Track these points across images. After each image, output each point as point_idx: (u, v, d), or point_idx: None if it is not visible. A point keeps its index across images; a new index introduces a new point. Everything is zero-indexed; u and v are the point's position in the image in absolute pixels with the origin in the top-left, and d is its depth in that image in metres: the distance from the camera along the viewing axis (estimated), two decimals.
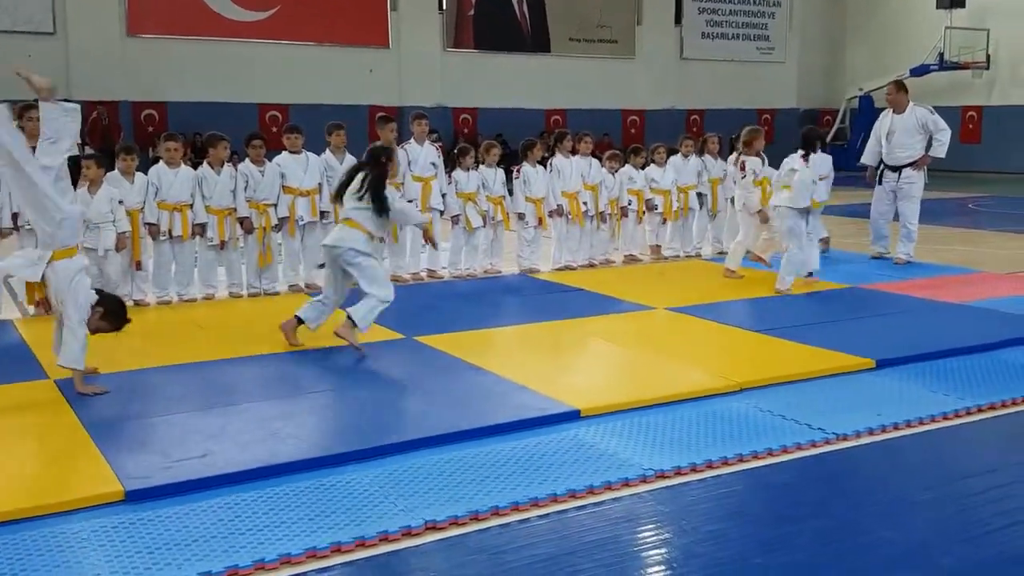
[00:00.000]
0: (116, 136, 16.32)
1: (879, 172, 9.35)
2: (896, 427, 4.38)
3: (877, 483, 3.80)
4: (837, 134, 24.57)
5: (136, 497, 3.53)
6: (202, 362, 5.54)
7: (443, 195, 8.44)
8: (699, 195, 9.76)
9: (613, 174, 9.22)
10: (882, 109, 9.77)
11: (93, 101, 16.87)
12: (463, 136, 19.88)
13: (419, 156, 8.38)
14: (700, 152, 10.02)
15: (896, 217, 9.32)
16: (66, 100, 5.21)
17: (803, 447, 4.13)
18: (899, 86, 9.49)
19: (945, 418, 4.53)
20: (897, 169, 9.14)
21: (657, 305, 7.01)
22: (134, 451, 3.95)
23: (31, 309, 6.92)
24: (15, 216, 6.76)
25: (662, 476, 3.78)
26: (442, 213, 8.48)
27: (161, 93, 17.96)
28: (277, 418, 4.42)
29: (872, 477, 3.89)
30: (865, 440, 4.24)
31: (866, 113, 22.94)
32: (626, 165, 9.41)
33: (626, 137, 21.90)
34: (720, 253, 9.91)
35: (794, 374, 5.17)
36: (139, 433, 4.21)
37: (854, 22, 26.27)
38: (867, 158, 9.55)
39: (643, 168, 9.49)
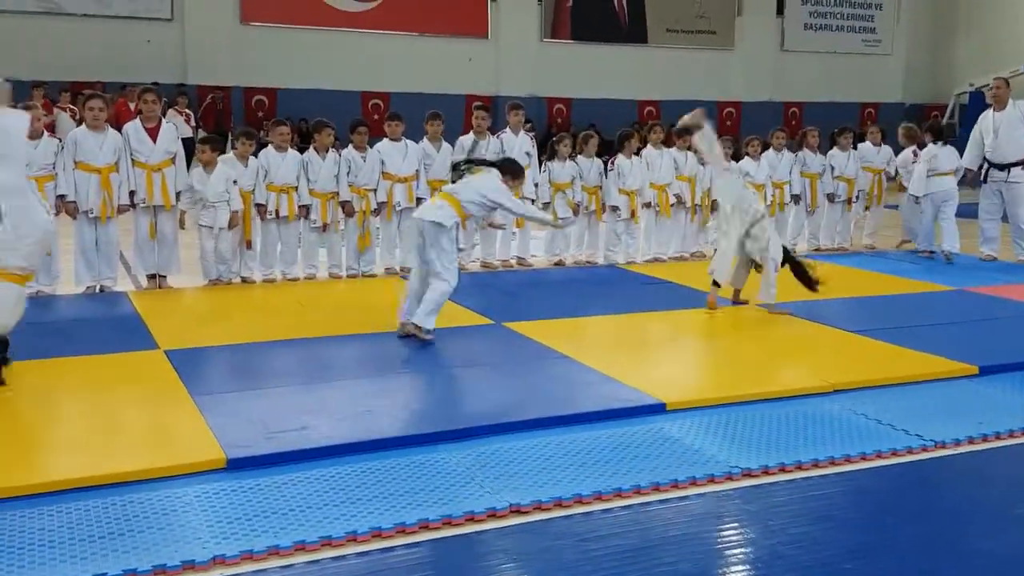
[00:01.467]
0: (228, 121, 16.89)
1: (985, 171, 9.03)
2: (998, 436, 4.22)
3: (975, 493, 3.68)
4: (946, 130, 23.56)
5: (237, 465, 3.70)
6: (302, 339, 5.74)
7: (535, 184, 8.49)
8: (794, 195, 9.55)
9: (704, 166, 9.10)
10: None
11: (208, 86, 17.55)
12: (556, 126, 19.87)
13: (514, 145, 8.45)
14: (799, 146, 9.82)
15: (1005, 218, 8.97)
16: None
17: (899, 453, 4.02)
18: (1005, 81, 9.20)
19: None
20: (1004, 167, 8.80)
21: (750, 299, 6.92)
22: (237, 421, 4.13)
23: (145, 282, 7.28)
24: (132, 194, 7.09)
25: (749, 475, 3.75)
26: (534, 201, 8.53)
27: (271, 79, 18.50)
28: (372, 395, 4.56)
29: (970, 487, 3.77)
30: (965, 449, 4.11)
31: (975, 110, 21.82)
32: None
33: (721, 129, 21.33)
34: (816, 250, 9.70)
35: (892, 377, 5.03)
36: (242, 404, 4.40)
37: (966, 15, 25.05)
38: (968, 161, 9.23)
39: (737, 161, 9.33)
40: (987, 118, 9.10)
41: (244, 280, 7.54)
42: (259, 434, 3.98)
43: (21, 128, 4.77)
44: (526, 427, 4.16)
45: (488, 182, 5.75)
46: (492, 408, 4.48)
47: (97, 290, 7.05)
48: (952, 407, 4.60)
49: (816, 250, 9.70)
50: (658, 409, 4.46)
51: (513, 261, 8.64)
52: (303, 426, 4.08)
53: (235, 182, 7.30)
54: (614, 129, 9.50)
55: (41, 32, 16.55)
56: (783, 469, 3.81)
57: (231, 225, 7.27)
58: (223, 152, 7.58)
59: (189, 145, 8.71)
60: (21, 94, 13.52)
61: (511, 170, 5.91)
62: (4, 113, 4.72)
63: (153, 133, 7.18)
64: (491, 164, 6.00)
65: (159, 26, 17.72)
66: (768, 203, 9.29)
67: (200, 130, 16.04)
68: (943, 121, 24.15)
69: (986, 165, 9.03)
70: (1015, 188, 8.81)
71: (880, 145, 9.94)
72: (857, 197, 9.83)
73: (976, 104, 22.33)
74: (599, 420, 4.31)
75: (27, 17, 16.54)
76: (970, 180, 9.31)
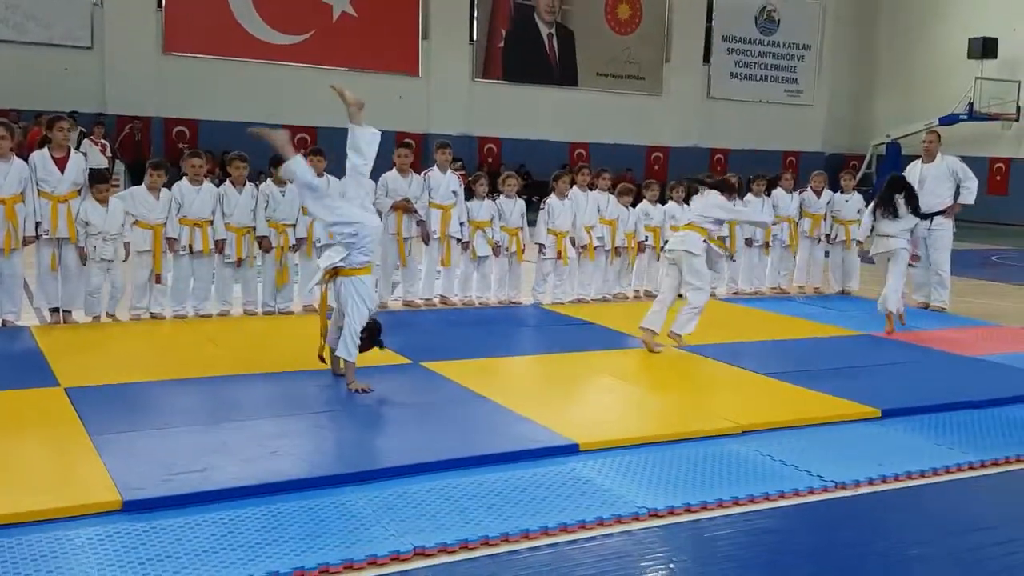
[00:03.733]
0: (147, 151, 16.59)
1: None
2: (897, 478, 4.35)
3: (873, 534, 3.77)
4: (863, 180, 24.51)
5: (133, 507, 3.57)
6: (211, 377, 5.62)
7: (461, 224, 8.51)
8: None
9: (628, 208, 9.27)
10: (910, 157, 9.85)
11: (127, 116, 17.20)
12: (487, 165, 20.05)
13: (440, 184, 8.47)
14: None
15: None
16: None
17: (800, 493, 4.11)
18: (937, 136, 9.70)
19: (948, 471, 4.49)
20: (928, 216, 9.17)
21: (666, 343, 7.02)
22: (136, 462, 4.00)
23: (48, 316, 7.04)
24: (37, 225, 6.87)
25: (655, 515, 3.78)
26: (459, 241, 8.55)
27: (193, 111, 18.26)
28: (278, 436, 4.47)
29: (868, 528, 3.86)
30: (864, 490, 4.21)
31: (893, 160, 22.88)
32: (642, 201, 9.46)
33: (649, 173, 21.94)
34: (735, 294, 9.93)
35: (798, 419, 5.15)
36: (142, 444, 4.27)
37: (884, 69, 26.29)
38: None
39: (661, 204, 9.53)
40: (915, 169, 9.47)
41: (154, 316, 7.33)
42: (158, 475, 3.85)
43: None
44: (437, 468, 4.13)
45: (711, 199, 6.95)
46: (402, 449, 4.43)
47: (0, 324, 6.79)
48: (854, 449, 4.72)
49: (734, 294, 9.93)
50: (571, 450, 4.48)
51: (436, 300, 8.62)
52: (204, 467, 3.97)
53: (130, 214, 7.18)
54: (545, 170, 9.63)
55: None
56: (689, 509, 3.86)
57: (125, 258, 7.13)
58: (138, 182, 7.41)
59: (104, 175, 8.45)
60: None
61: (725, 187, 7.13)
62: None
63: (61, 163, 6.97)
64: (709, 185, 7.14)
65: (78, 54, 17.39)
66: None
67: (118, 160, 15.70)
68: (861, 170, 25.23)
69: None
70: (937, 235, 9.20)
71: (791, 192, 10.24)
72: (772, 242, 10.10)
73: (893, 155, 23.36)
74: (512, 461, 4.29)
75: None
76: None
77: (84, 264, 7.06)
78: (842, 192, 10.25)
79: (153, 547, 3.28)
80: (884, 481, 4.31)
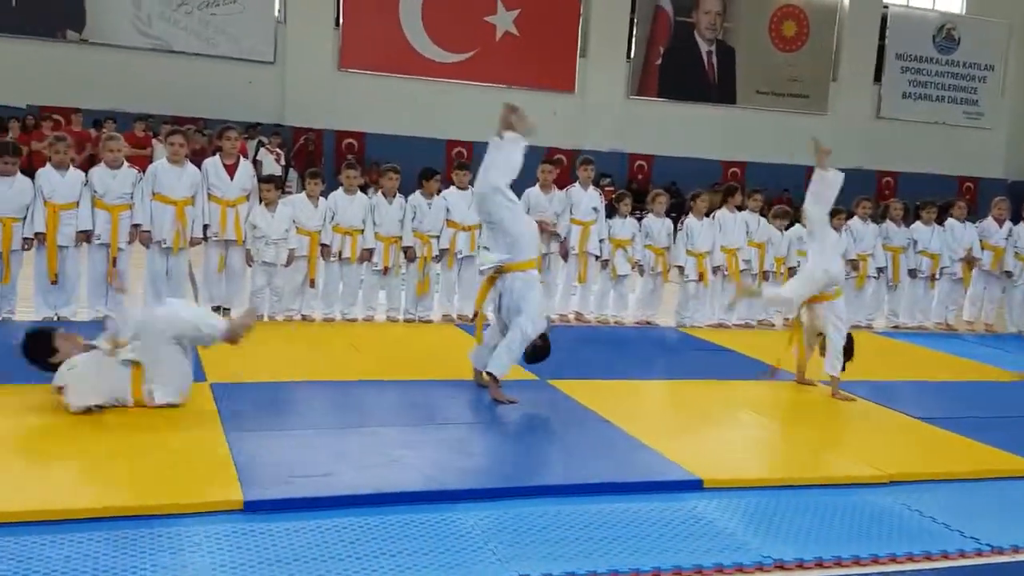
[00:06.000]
0: (319, 161, 17.39)
1: None
2: None
3: None
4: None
5: (253, 508, 3.66)
6: (348, 381, 5.74)
7: (600, 241, 8.40)
8: (878, 268, 9.19)
9: (781, 232, 8.85)
10: None
11: (303, 128, 18.16)
12: (635, 182, 19.80)
13: (582, 200, 8.39)
14: (882, 218, 9.48)
15: None
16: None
17: (951, 556, 3.72)
18: None
19: None
20: None
21: (815, 378, 6.60)
22: (263, 462, 4.12)
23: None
24: (206, 227, 7.28)
25: (781, 567, 3.51)
26: (598, 258, 8.44)
27: (362, 124, 19.04)
28: (402, 445, 4.49)
29: None
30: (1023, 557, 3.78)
31: None
32: (797, 225, 9.01)
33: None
34: (895, 327, 9.29)
35: (954, 472, 4.70)
36: (272, 444, 4.39)
37: None
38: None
39: None
40: None
41: (304, 318, 7.62)
42: (282, 477, 3.94)
43: None
44: (550, 492, 4.02)
45: None
46: (518, 469, 4.35)
47: None
48: (1016, 510, 4.26)
49: (895, 327, 9.29)
50: (694, 486, 4.26)
51: (571, 316, 8.52)
52: (327, 472, 4.03)
53: (294, 222, 7.43)
54: (696, 188, 9.38)
55: (148, 67, 17.45)
56: (820, 564, 3.57)
57: (288, 263, 7.38)
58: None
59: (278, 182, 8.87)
60: (125, 126, 14.29)
61: None
62: None
63: (231, 170, 7.38)
64: None
65: (261, 68, 18.48)
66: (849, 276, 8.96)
67: (292, 169, 16.57)
68: None
69: None
70: None
71: (965, 222, 9.48)
72: (940, 274, 9.40)
73: None
74: (630, 492, 4.13)
75: (136, 52, 17.49)
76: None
77: (250, 265, 7.42)
78: None
79: (266, 549, 3.34)
80: None
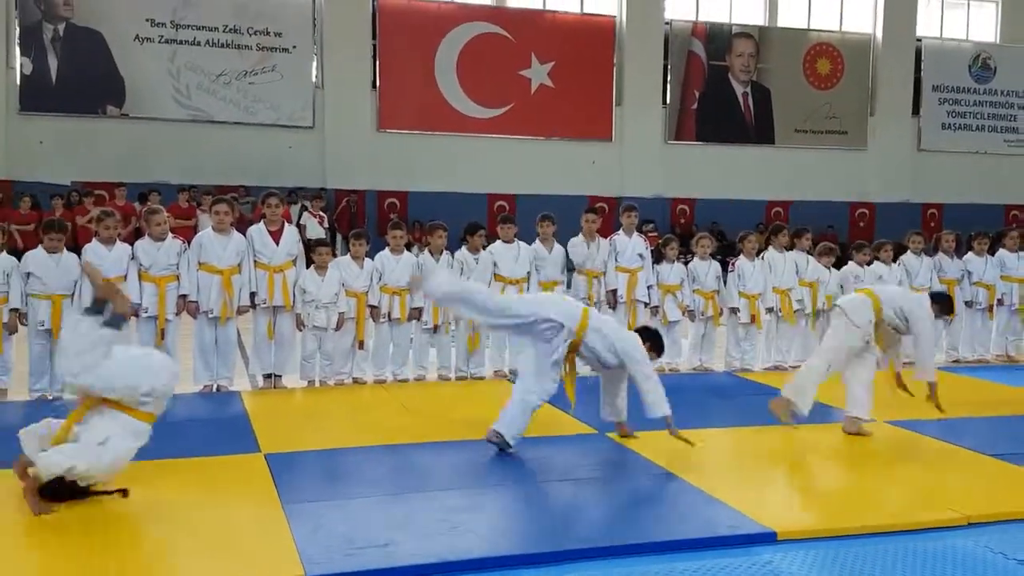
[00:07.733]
0: (361, 222, 17.60)
1: None
2: None
3: None
4: None
5: None
6: (400, 444, 5.68)
7: (648, 287, 8.32)
8: None
9: (830, 270, 8.70)
10: None
11: (344, 190, 18.42)
12: (679, 226, 19.71)
13: (627, 247, 8.35)
14: (934, 250, 9.28)
15: None
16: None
17: None
18: None
19: None
20: None
21: (878, 418, 6.39)
22: (322, 533, 4.05)
23: (261, 382, 7.47)
24: (253, 295, 7.34)
25: None
26: (646, 305, 8.35)
27: (403, 183, 19.25)
28: (462, 510, 4.40)
29: None
30: None
31: None
32: (850, 263, 8.85)
33: (853, 231, 20.73)
34: (955, 362, 9.02)
35: None
36: (330, 515, 4.32)
37: None
38: None
39: (869, 265, 8.88)
40: None
41: (356, 381, 7.61)
42: (342, 549, 3.87)
43: None
44: (618, 553, 3.90)
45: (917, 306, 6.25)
46: (584, 530, 4.24)
47: (214, 389, 7.26)
48: None
49: (955, 362, 9.02)
50: (768, 538, 4.11)
51: None
52: (387, 542, 3.95)
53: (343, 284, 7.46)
54: (740, 229, 9.28)
55: (189, 138, 17.87)
56: None
57: (338, 327, 7.40)
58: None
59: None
60: (169, 197, 14.61)
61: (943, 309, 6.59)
62: None
63: (276, 236, 7.44)
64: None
65: (301, 133, 18.84)
66: None
67: (337, 232, 16.77)
68: None
69: None
70: None
71: (1017, 252, 9.23)
72: (999, 303, 9.14)
73: None
74: (700, 548, 4.00)
75: (177, 124, 17.91)
76: None
77: (300, 331, 7.45)
78: None
79: None
80: None
